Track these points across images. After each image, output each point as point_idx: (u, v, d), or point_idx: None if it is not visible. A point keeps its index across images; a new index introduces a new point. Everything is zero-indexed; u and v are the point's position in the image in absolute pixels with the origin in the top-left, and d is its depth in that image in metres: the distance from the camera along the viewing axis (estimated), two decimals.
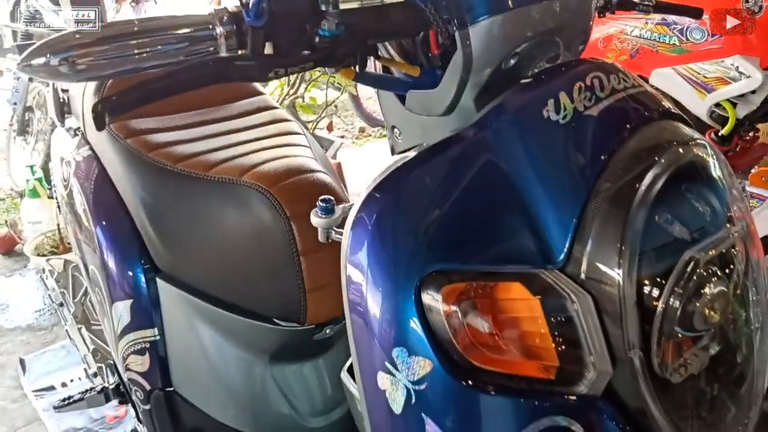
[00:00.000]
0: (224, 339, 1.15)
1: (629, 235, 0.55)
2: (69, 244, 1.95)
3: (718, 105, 2.08)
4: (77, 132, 1.39)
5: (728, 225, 0.61)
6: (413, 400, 0.56)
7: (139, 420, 1.30)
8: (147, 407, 1.22)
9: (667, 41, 2.10)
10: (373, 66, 0.73)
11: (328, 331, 1.15)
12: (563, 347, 0.55)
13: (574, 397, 0.56)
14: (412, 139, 0.75)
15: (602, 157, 0.58)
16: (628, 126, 0.60)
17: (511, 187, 0.59)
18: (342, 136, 4.08)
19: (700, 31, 2.06)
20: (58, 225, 2.30)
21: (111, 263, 1.20)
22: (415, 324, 0.56)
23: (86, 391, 1.35)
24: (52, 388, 1.93)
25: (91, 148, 1.32)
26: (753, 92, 1.97)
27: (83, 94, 1.33)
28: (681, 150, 0.60)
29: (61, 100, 1.49)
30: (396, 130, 0.76)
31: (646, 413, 0.57)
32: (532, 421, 0.54)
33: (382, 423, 0.60)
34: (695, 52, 2.03)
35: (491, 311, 0.56)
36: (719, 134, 2.15)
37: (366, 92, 4.08)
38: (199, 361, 1.17)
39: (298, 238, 1.01)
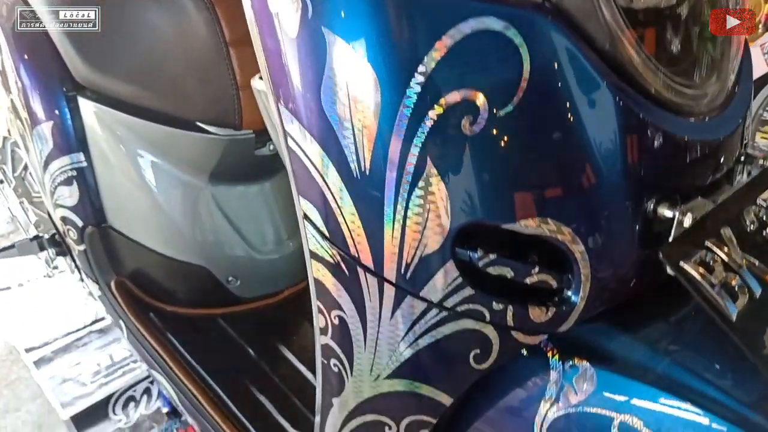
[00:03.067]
0: (157, 157, 1.04)
1: None
2: None
3: None
4: None
5: None
6: (310, 14, 0.45)
7: (78, 269, 1.19)
8: (82, 248, 1.11)
9: None
10: None
11: (272, 148, 1.04)
12: None
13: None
14: None
15: None
16: None
17: None
18: None
19: None
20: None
21: (31, 90, 1.08)
22: None
23: (20, 240, 1.24)
24: (8, 288, 1.86)
25: None
26: None
27: None
28: None
29: None
30: None
31: (612, 43, 0.47)
32: (458, 22, 0.44)
33: (275, 52, 0.48)
34: None
35: None
36: None
37: None
38: (132, 187, 1.06)
39: (225, 27, 0.90)
